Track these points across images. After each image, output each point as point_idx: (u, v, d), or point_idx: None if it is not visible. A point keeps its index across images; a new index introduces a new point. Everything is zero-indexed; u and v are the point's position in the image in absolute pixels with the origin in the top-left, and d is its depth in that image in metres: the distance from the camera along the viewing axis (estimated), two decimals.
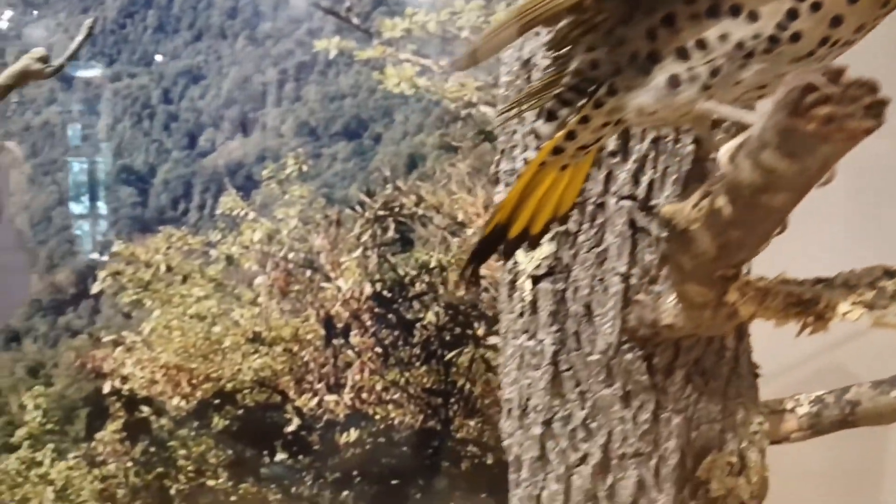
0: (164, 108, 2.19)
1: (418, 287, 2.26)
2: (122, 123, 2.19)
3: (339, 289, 2.24)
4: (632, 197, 0.98)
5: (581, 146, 0.66)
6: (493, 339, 2.30)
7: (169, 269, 2.16)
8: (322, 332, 2.25)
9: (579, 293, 1.01)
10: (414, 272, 2.25)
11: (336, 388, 2.26)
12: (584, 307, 1.01)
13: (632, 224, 0.98)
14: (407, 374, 2.27)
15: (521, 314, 1.08)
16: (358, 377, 2.27)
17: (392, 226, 2.23)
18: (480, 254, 0.74)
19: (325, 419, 2.26)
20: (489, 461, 2.30)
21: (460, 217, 2.22)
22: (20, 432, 2.25)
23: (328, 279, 2.24)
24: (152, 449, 2.21)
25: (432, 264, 2.24)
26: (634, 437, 1.01)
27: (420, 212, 2.21)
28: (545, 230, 0.72)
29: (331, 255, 2.23)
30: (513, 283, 1.11)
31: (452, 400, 2.29)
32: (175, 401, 2.19)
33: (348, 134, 2.21)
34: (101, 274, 2.16)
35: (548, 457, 1.07)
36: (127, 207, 2.19)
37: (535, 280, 1.04)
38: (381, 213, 2.22)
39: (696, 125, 0.65)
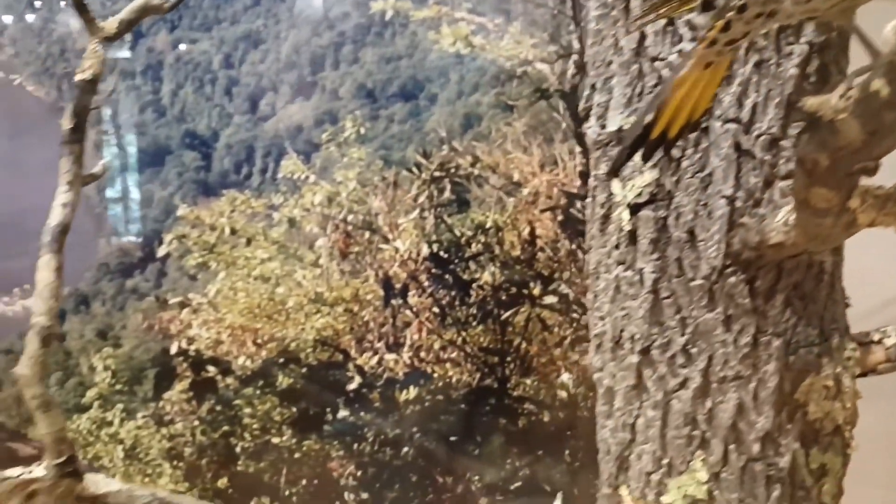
0: (225, 73, 2.23)
1: (474, 247, 2.28)
2: (185, 89, 2.24)
3: (396, 250, 2.28)
4: (736, 120, 1.00)
5: (730, 40, 0.67)
6: (549, 299, 2.33)
7: (233, 231, 2.21)
8: (381, 292, 2.29)
9: (682, 219, 1.03)
10: (470, 233, 2.28)
11: (395, 347, 2.30)
12: (688, 233, 1.03)
13: (737, 147, 0.99)
14: (464, 334, 2.30)
15: (618, 246, 1.10)
16: (416, 336, 2.31)
17: (448, 187, 2.25)
18: (626, 155, 0.76)
19: (385, 377, 2.30)
20: (546, 419, 2.34)
21: (516, 177, 2.24)
22: (90, 393, 2.33)
23: (386, 240, 2.27)
24: (218, 408, 2.27)
25: (488, 224, 2.27)
26: (735, 361, 1.03)
27: (476, 172, 2.23)
28: (680, 135, 0.74)
29: (388, 217, 2.27)
30: (606, 217, 1.13)
31: (509, 359, 2.32)
32: (241, 360, 2.25)
33: (405, 95, 2.23)
34: (167, 237, 2.22)
35: (645, 384, 1.09)
36: (191, 171, 2.23)
37: (634, 210, 1.06)
38: (437, 174, 2.24)
39: (842, 17, 0.66)
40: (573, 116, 2.19)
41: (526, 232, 2.26)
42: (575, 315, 2.27)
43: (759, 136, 1.00)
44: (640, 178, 1.04)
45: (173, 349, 2.25)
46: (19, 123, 2.19)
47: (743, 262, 1.00)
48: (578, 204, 2.23)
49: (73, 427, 2.36)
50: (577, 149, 2.20)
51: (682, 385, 1.06)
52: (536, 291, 2.28)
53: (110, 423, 2.32)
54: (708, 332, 1.04)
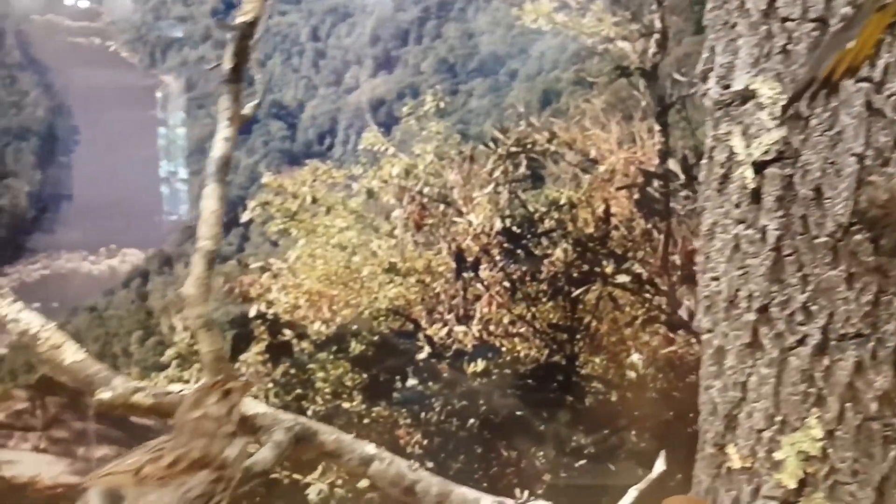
0: (312, 46, 2.29)
1: (547, 223, 2.31)
2: (273, 60, 2.30)
3: (470, 223, 2.31)
4: (868, 79, 1.00)
5: None
6: (621, 278, 2.34)
7: (314, 200, 2.27)
8: (453, 264, 2.33)
9: (809, 176, 1.04)
10: (544, 209, 2.30)
11: (465, 319, 2.34)
12: (814, 190, 1.03)
13: (868, 106, 1.00)
14: (534, 309, 2.33)
15: (738, 205, 1.11)
16: (486, 310, 2.35)
17: (524, 162, 2.28)
18: (802, 91, 0.78)
19: (454, 349, 2.34)
20: (613, 398, 2.35)
21: (593, 153, 2.25)
22: (169, 352, 2.42)
23: (460, 214, 2.31)
24: (293, 371, 2.34)
25: (562, 201, 2.29)
26: (856, 318, 1.03)
27: (552, 148, 2.26)
28: (842, 78, 0.75)
29: (463, 191, 2.30)
30: (725, 176, 1.14)
31: (578, 336, 2.34)
32: (316, 325, 2.31)
33: (485, 70, 2.27)
34: (251, 203, 2.29)
35: (760, 342, 1.10)
36: (276, 141, 2.30)
37: (759, 168, 1.07)
38: (513, 149, 2.27)
39: None
40: (654, 94, 2.20)
41: (601, 210, 2.27)
42: (647, 295, 2.28)
43: (890, 95, 1.00)
44: (767, 135, 1.05)
45: (252, 312, 2.32)
46: (113, 89, 2.28)
47: (869, 219, 1.00)
48: (656, 183, 2.24)
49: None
50: (657, 127, 2.20)
51: (801, 342, 1.06)
52: (609, 270, 2.29)
53: (186, 382, 2.41)
54: (830, 289, 1.04)
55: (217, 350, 1.00)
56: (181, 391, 0.99)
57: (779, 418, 1.11)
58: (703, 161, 1.20)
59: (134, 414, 0.99)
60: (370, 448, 1.00)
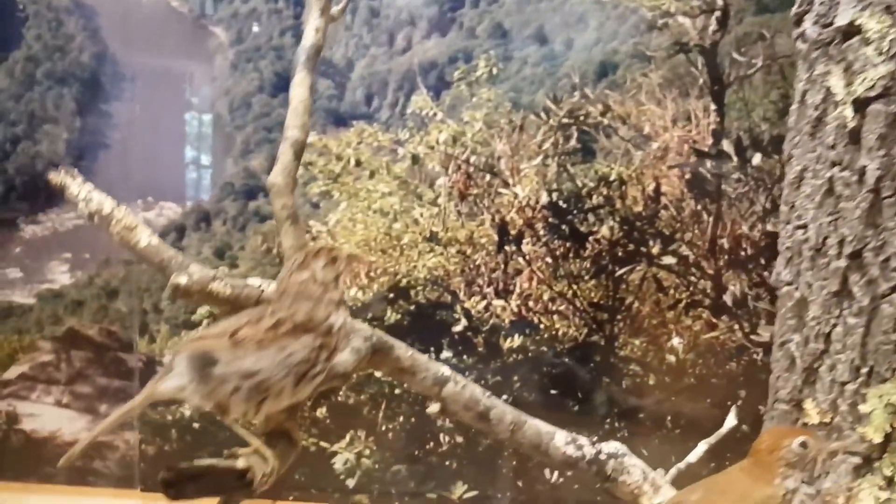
0: (366, 4, 2.27)
1: (595, 200, 2.26)
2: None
3: (515, 195, 2.27)
4: None
5: None
6: (667, 259, 2.28)
7: (358, 163, 2.23)
8: (495, 237, 2.28)
9: None
10: (592, 184, 2.25)
11: (504, 293, 2.29)
12: None
13: None
14: (575, 287, 2.28)
15: (833, 146, 1.06)
16: (526, 285, 2.30)
17: (575, 135, 2.23)
18: None
19: (491, 323, 2.30)
20: (651, 382, 2.29)
21: (646, 129, 2.20)
22: (201, 310, 2.38)
23: (506, 185, 2.27)
24: None
25: (612, 177, 2.23)
26: None
27: (605, 122, 2.21)
28: None
29: (511, 161, 2.26)
30: (819, 119, 1.09)
31: (619, 317, 2.28)
32: (352, 292, 2.27)
33: (541, 38, 2.22)
34: None
35: (850, 290, 1.05)
36: (323, 100, 2.27)
37: (859, 106, 1.02)
38: (565, 121, 2.22)
39: None
40: (711, 73, 2.15)
41: (651, 188, 2.22)
42: (692, 278, 2.22)
43: None
44: (873, 70, 1.01)
45: None
46: (162, 38, 2.26)
47: None
48: (708, 163, 2.18)
49: (181, 343, 2.42)
50: (713, 106, 2.15)
51: (895, 289, 1.02)
52: (655, 250, 2.24)
53: None
54: None
55: (301, 245, 0.97)
56: (260, 286, 0.96)
57: (865, 370, 1.07)
58: (793, 107, 1.16)
59: (210, 303, 0.95)
60: (445, 369, 0.96)
